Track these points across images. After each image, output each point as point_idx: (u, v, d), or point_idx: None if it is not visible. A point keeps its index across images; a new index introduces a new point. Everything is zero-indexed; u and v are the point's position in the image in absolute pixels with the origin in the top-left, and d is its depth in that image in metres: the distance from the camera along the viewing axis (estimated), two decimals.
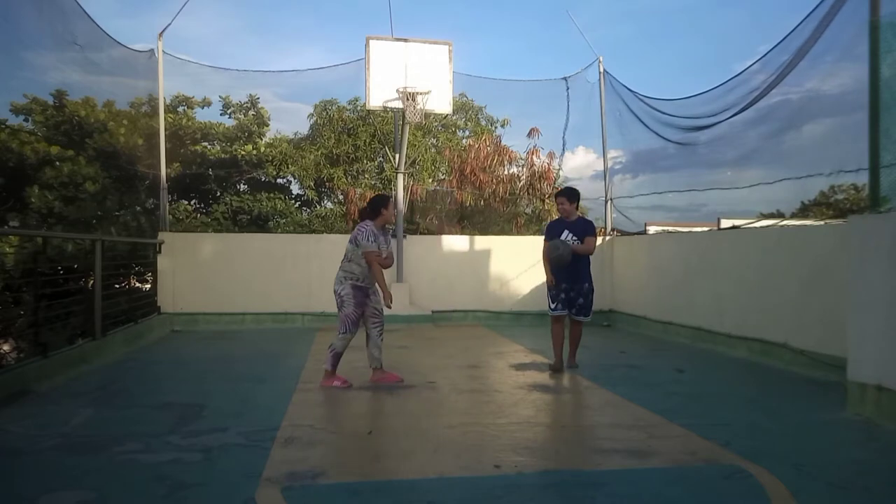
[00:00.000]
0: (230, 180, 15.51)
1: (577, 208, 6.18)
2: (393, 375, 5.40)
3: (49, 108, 12.85)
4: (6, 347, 10.72)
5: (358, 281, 5.25)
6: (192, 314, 9.00)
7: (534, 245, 10.26)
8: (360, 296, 5.24)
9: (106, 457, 3.45)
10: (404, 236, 9.69)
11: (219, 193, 15.58)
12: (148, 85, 9.79)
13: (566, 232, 5.94)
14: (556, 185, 13.88)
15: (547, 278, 5.98)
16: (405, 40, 9.05)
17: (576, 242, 5.85)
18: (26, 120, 13.08)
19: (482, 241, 10.32)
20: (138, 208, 13.04)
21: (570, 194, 6.17)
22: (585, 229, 6.00)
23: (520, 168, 14.21)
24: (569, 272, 5.87)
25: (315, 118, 16.27)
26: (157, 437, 3.79)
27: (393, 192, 10.20)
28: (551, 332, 6.05)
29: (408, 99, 8.77)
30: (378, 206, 5.42)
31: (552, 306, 5.99)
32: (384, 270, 5.30)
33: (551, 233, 6.05)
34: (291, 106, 34.36)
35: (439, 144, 15.97)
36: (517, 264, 9.87)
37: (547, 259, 5.90)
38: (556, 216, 15.36)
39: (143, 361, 6.60)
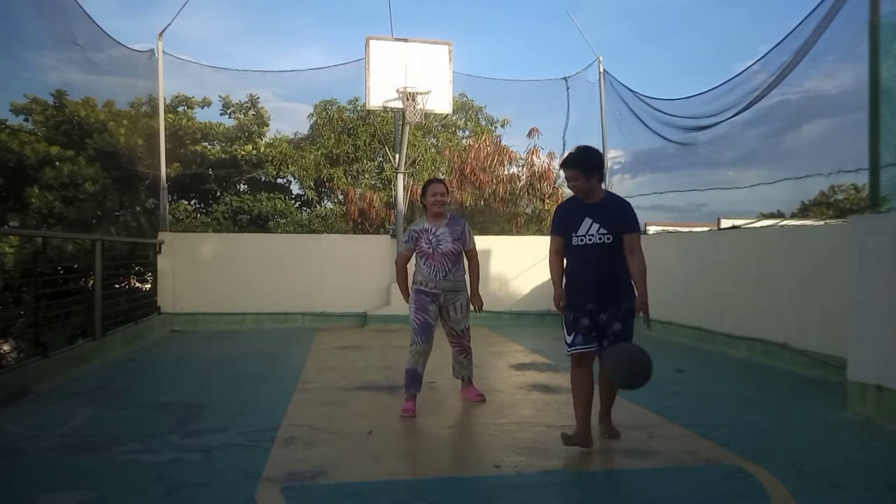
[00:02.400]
0: (230, 180, 15.51)
1: (600, 181, 3.73)
2: (475, 391, 4.79)
3: (49, 108, 12.86)
4: (6, 347, 10.73)
5: (420, 285, 4.48)
6: (192, 314, 9.00)
7: (534, 245, 10.27)
8: (422, 300, 4.44)
9: (106, 457, 3.45)
10: None
11: (219, 193, 15.57)
12: (148, 85, 9.80)
13: (588, 221, 3.64)
14: (556, 185, 13.88)
15: (556, 295, 3.70)
16: (405, 40, 9.04)
17: (605, 239, 3.66)
18: (26, 120, 13.08)
19: (482, 241, 10.21)
20: (138, 208, 13.05)
21: (584, 162, 3.64)
22: (622, 216, 3.72)
23: (520, 168, 14.20)
24: (599, 286, 3.70)
25: (315, 118, 16.26)
26: (157, 437, 3.79)
27: (393, 192, 10.19)
28: (571, 380, 3.75)
29: (408, 99, 8.77)
30: (421, 198, 4.67)
31: (568, 339, 3.69)
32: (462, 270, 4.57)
33: (564, 222, 3.74)
34: (291, 106, 34.44)
35: (439, 144, 15.97)
36: (517, 264, 9.87)
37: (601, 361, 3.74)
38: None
39: (143, 361, 6.60)
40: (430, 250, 4.42)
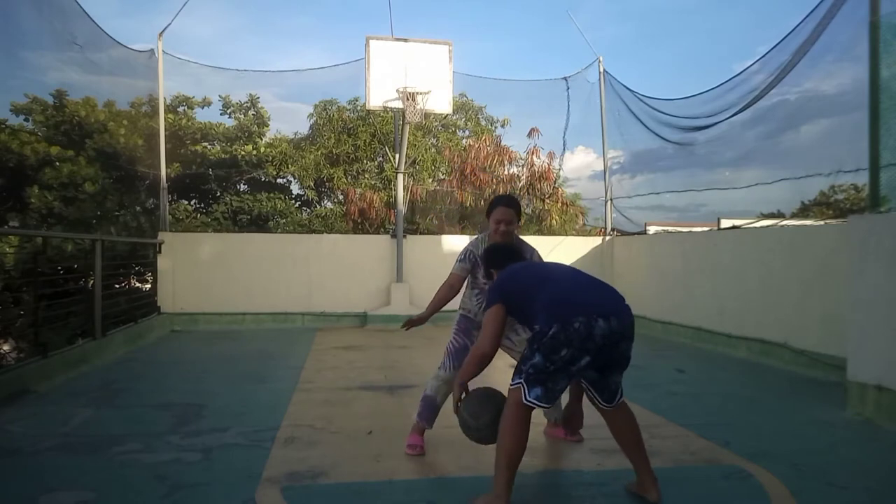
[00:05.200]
0: (230, 180, 15.52)
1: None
2: (560, 431, 3.84)
3: (49, 108, 12.86)
4: (6, 347, 10.74)
5: (468, 313, 3.81)
6: (192, 314, 9.00)
7: (534, 245, 10.26)
8: (468, 324, 3.78)
9: (106, 457, 3.45)
10: (404, 236, 9.70)
11: (219, 193, 15.58)
12: (148, 85, 9.80)
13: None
14: (556, 185, 13.90)
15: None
16: (405, 40, 9.05)
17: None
18: (26, 120, 13.09)
19: None
20: (138, 208, 13.05)
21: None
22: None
23: (520, 168, 14.22)
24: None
25: (315, 118, 16.27)
26: (157, 437, 3.79)
27: (393, 192, 10.17)
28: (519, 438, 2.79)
29: (408, 99, 8.76)
30: (486, 215, 3.81)
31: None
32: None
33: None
34: (291, 106, 34.32)
35: (439, 144, 15.97)
36: None
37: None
38: (555, 217, 15.15)
39: (143, 361, 6.60)
40: (486, 285, 3.65)
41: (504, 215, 3.67)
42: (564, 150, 11.98)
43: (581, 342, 2.67)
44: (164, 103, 10.18)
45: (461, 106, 16.32)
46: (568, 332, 2.67)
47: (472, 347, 3.19)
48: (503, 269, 3.24)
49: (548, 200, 13.76)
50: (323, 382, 5.47)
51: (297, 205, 16.46)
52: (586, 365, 2.74)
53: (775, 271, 6.41)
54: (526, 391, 2.71)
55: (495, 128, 17.09)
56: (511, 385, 2.79)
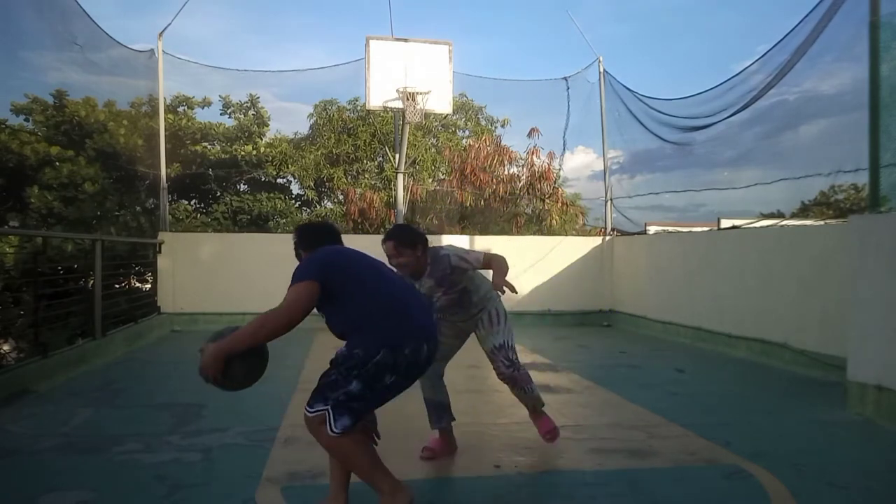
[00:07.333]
0: (230, 180, 15.52)
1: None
2: (545, 424, 3.66)
3: (49, 108, 12.87)
4: (6, 347, 10.73)
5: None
6: (192, 314, 8.99)
7: (533, 245, 10.29)
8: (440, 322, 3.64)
9: (106, 457, 3.45)
10: None
11: (219, 193, 15.58)
12: (148, 85, 9.80)
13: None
14: (556, 185, 13.90)
15: None
16: (405, 40, 9.05)
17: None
18: (27, 120, 13.09)
19: (482, 241, 10.32)
20: (138, 208, 13.05)
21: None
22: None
23: (520, 168, 14.23)
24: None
25: (315, 118, 16.27)
26: (157, 437, 3.79)
27: (393, 192, 10.15)
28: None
29: (408, 99, 8.76)
30: None
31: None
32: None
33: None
34: (291, 106, 34.26)
35: (439, 144, 15.98)
36: (517, 264, 9.76)
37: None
38: (556, 217, 15.15)
39: (144, 361, 6.60)
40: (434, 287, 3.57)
41: (388, 250, 3.50)
42: (564, 150, 11.98)
43: (406, 369, 2.44)
44: (164, 103, 10.18)
45: (461, 106, 16.32)
46: (397, 358, 2.41)
47: (273, 310, 2.64)
48: (319, 250, 2.83)
49: (548, 200, 13.77)
50: None
51: (297, 205, 16.46)
52: (399, 390, 2.51)
53: (775, 271, 6.41)
54: (332, 421, 2.37)
55: (495, 128, 17.11)
56: (309, 411, 2.46)
